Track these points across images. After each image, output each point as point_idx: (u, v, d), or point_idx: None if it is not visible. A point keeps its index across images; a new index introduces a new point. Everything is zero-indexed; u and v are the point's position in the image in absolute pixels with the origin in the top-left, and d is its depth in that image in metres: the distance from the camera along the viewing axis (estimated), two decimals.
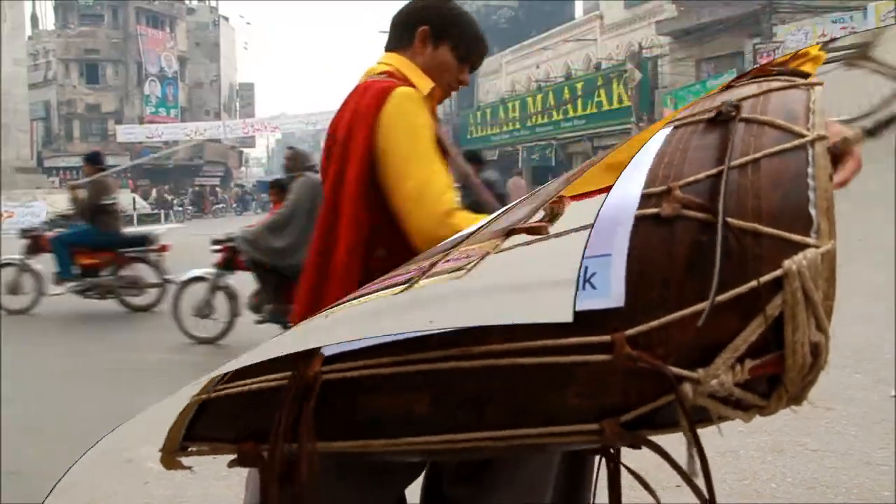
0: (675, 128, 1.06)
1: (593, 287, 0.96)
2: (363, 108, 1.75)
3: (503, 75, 41.88)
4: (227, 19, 67.27)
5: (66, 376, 6.23)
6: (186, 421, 1.23)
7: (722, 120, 1.02)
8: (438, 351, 1.02)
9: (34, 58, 51.41)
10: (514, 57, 41.10)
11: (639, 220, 0.97)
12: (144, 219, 33.31)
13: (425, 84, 1.90)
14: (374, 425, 1.10)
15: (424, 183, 1.68)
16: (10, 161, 30.40)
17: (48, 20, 57.78)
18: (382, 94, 1.75)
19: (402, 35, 1.97)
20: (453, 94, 2.11)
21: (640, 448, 1.06)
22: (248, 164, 75.30)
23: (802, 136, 0.96)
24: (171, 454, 1.25)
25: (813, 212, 0.92)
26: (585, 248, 0.92)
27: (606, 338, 0.94)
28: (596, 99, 30.87)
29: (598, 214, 0.96)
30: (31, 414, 5.04)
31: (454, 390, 1.04)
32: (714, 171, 0.97)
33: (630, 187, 1.00)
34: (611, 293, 0.95)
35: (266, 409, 1.13)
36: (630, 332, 0.94)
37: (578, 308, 0.90)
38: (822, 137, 0.96)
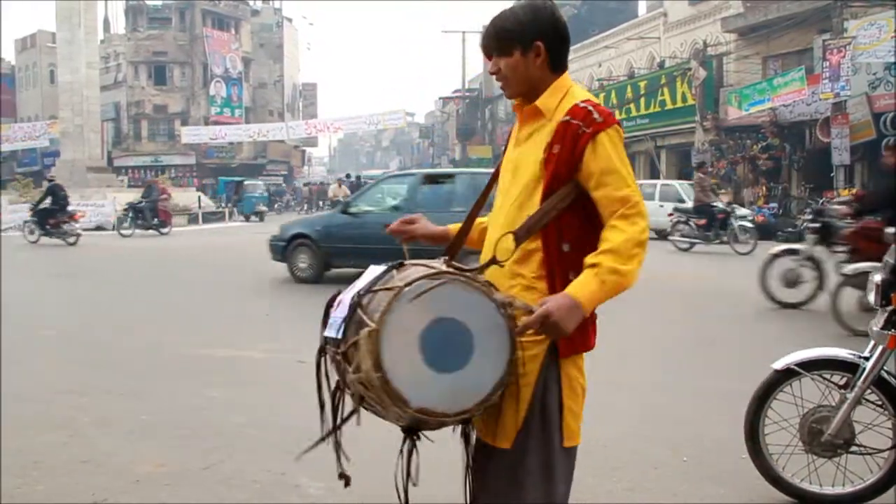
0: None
1: None
2: None
3: None
4: (290, 20, 68.24)
5: None
6: None
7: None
8: None
9: (105, 61, 52.87)
10: (576, 55, 40.76)
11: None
12: (209, 217, 34.02)
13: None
14: None
15: None
16: (82, 161, 31.36)
17: (119, 24, 59.44)
18: None
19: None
20: None
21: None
22: (310, 164, 76.25)
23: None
24: None
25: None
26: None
27: None
28: (659, 97, 30.48)
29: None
30: None
31: None
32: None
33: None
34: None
35: None
36: None
37: None
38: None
